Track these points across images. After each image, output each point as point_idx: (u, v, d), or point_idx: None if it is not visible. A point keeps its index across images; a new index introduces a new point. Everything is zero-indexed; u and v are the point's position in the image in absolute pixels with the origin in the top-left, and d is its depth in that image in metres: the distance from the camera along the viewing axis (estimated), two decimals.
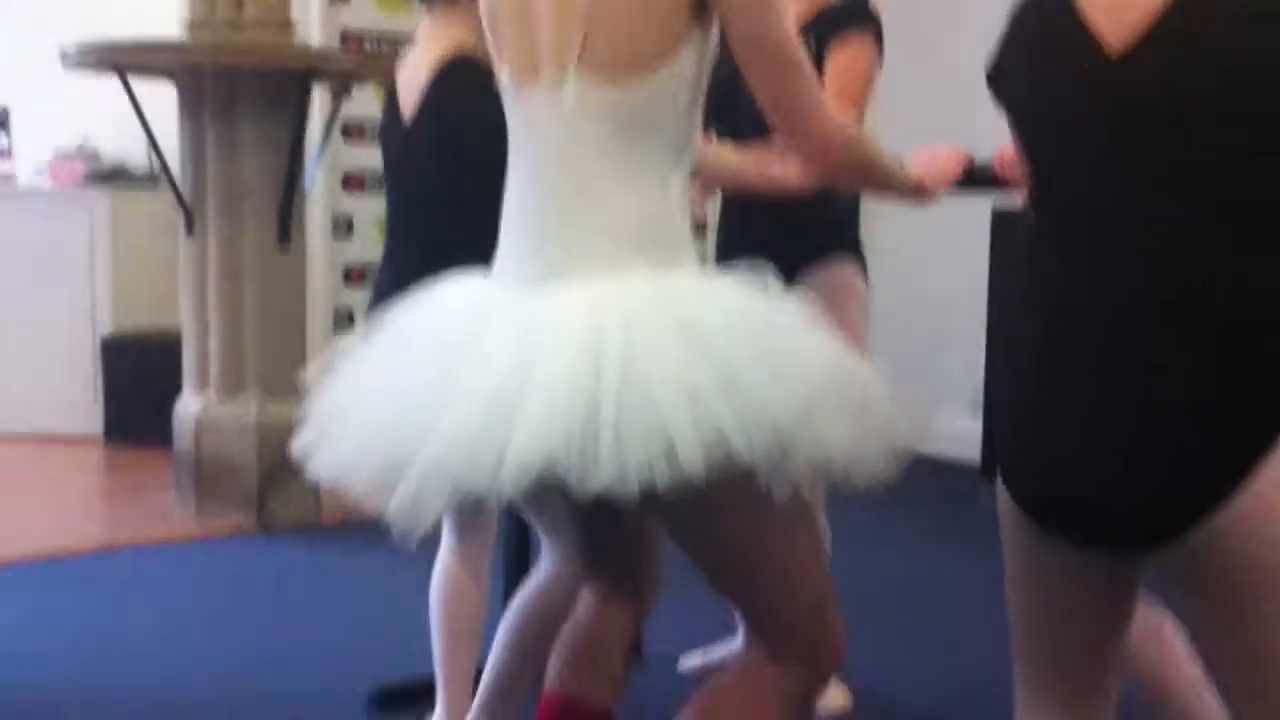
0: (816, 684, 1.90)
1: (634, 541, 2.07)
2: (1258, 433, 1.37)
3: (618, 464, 1.61)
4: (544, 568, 2.49)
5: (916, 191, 2.09)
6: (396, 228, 2.74)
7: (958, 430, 5.46)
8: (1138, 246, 1.42)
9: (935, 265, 5.45)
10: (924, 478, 5.23)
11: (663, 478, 1.60)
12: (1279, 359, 1.37)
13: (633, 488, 1.61)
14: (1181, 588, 1.48)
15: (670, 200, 1.79)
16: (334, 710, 2.93)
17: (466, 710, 2.65)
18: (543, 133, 1.80)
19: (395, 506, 1.72)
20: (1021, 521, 1.57)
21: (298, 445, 1.90)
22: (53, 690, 3.03)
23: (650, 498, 1.64)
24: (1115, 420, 1.42)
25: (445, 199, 2.62)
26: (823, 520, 2.99)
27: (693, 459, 1.61)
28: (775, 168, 2.50)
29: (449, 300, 1.87)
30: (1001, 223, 4.90)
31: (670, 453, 1.61)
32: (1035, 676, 1.64)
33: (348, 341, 1.94)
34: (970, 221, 5.05)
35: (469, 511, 2.65)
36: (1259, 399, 1.37)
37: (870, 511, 4.70)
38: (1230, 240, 1.38)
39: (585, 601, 2.10)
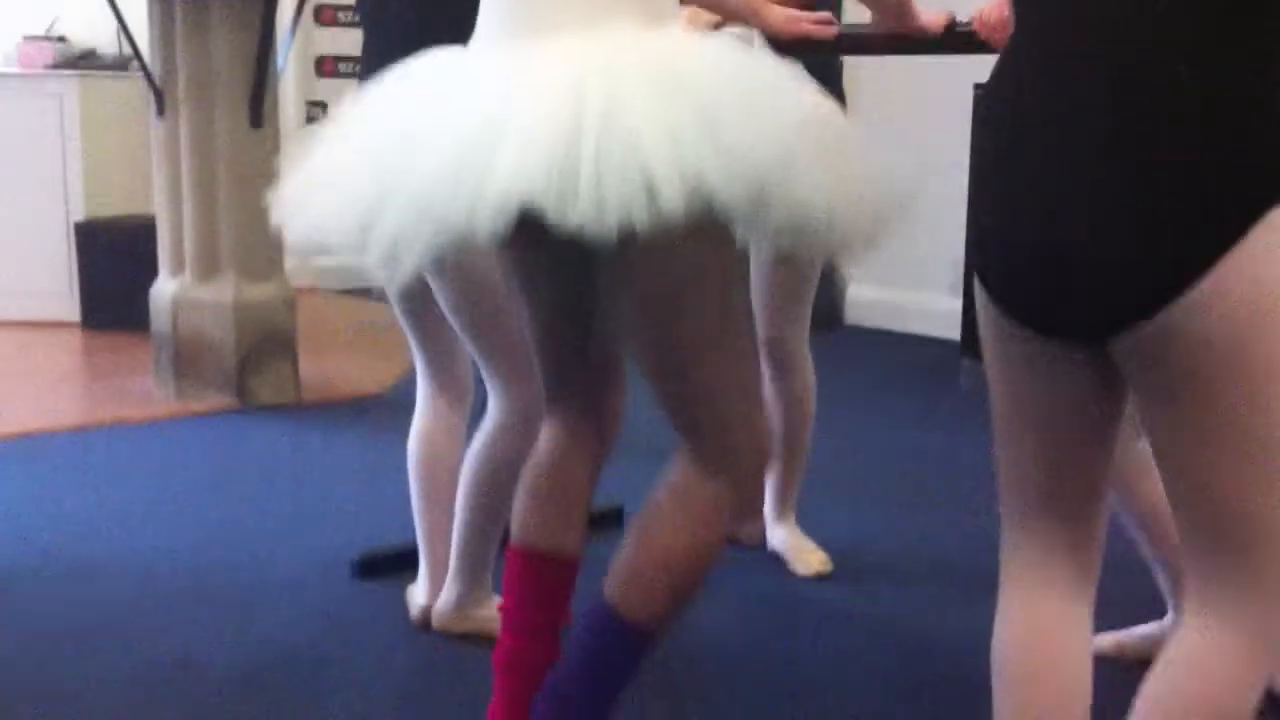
0: (743, 493, 1.91)
1: (600, 370, 2.06)
2: (1222, 218, 1.35)
3: (596, 199, 1.61)
4: (492, 418, 2.49)
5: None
6: (371, 19, 2.63)
7: (938, 309, 5.48)
8: (1107, 22, 1.40)
9: (914, 141, 5.38)
10: (905, 356, 5.31)
11: (641, 216, 1.61)
12: (1247, 141, 1.35)
13: (610, 225, 1.61)
14: (1137, 379, 1.47)
15: None
16: (319, 579, 2.96)
17: (445, 577, 2.68)
18: None
19: (375, 251, 1.73)
20: (996, 318, 1.56)
21: (275, 216, 1.90)
22: (38, 564, 3.05)
23: (625, 247, 1.64)
24: (1077, 202, 1.41)
25: None
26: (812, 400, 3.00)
27: (672, 197, 1.62)
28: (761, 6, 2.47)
29: (425, 65, 1.85)
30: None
31: (650, 190, 1.62)
32: (1020, 502, 1.63)
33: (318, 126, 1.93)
34: (951, 97, 5.00)
35: (443, 362, 2.63)
36: (1226, 183, 1.35)
37: (854, 389, 4.76)
38: (1196, 13, 1.36)
39: (546, 443, 2.08)
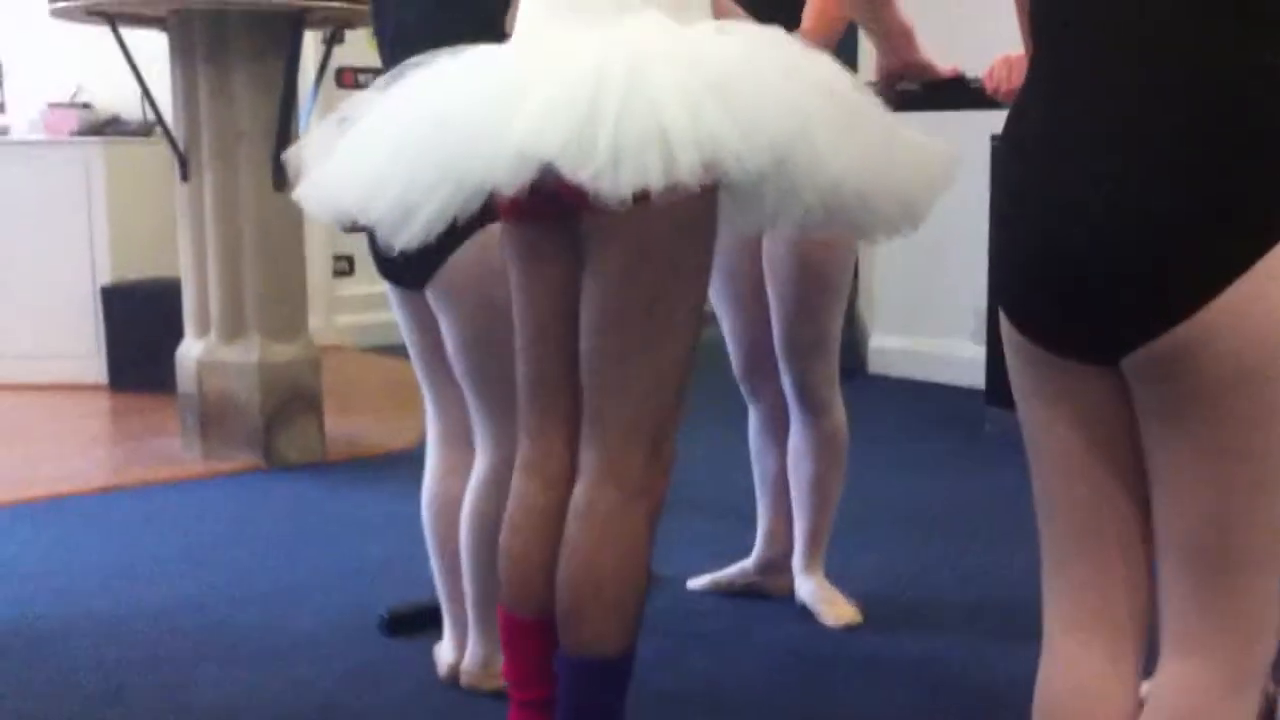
0: (644, 496, 1.90)
1: (579, 414, 1.99)
2: (1238, 237, 1.33)
3: (614, 157, 1.65)
4: (479, 473, 2.48)
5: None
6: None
7: (962, 357, 5.47)
8: (1134, 32, 1.39)
9: None
10: (930, 404, 5.30)
11: (657, 177, 1.65)
12: (1264, 162, 1.32)
13: (625, 185, 1.65)
14: (1142, 398, 1.44)
15: None
16: (347, 635, 2.95)
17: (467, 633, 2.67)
18: None
19: (387, 207, 1.76)
20: (1017, 343, 1.54)
21: (298, 193, 1.94)
22: (69, 621, 3.05)
23: (644, 217, 1.67)
24: (1090, 217, 1.39)
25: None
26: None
27: (689, 160, 1.65)
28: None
29: (458, 56, 1.87)
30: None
31: (667, 153, 1.65)
32: (1059, 547, 1.58)
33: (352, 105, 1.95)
34: (969, 149, 5.02)
35: (454, 415, 2.61)
36: (1245, 203, 1.33)
37: (878, 437, 4.75)
38: (1233, 19, 1.34)
39: (519, 499, 2.03)
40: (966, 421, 4.86)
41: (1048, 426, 1.56)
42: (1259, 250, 1.32)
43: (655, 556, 3.19)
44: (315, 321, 5.01)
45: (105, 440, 5.06)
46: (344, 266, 6.81)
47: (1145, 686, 2.48)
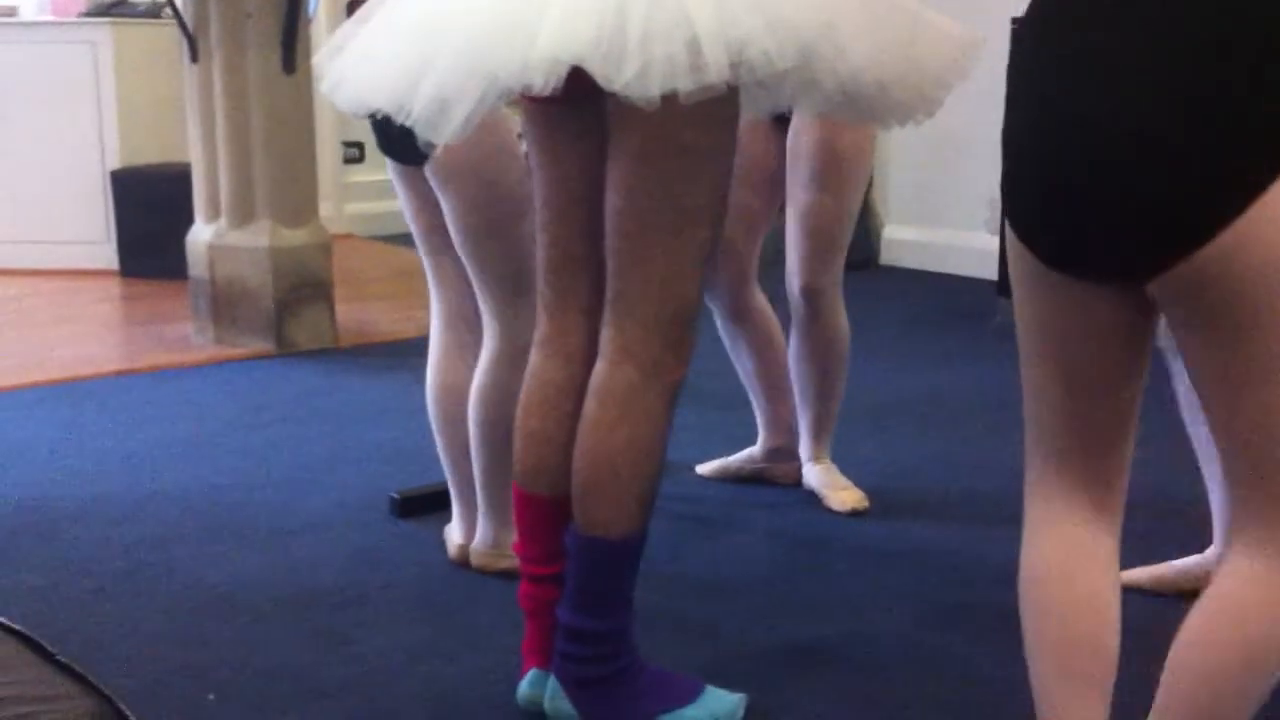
0: (662, 377, 1.90)
1: (600, 294, 1.99)
2: (1260, 159, 1.33)
3: (643, 57, 1.65)
4: (489, 350, 2.49)
5: None
6: None
7: (974, 247, 5.44)
8: None
9: None
10: (940, 295, 5.29)
11: (685, 81, 1.66)
12: None
13: (655, 89, 1.65)
14: (1176, 317, 1.46)
15: None
16: (358, 517, 2.99)
17: (476, 513, 2.70)
18: None
19: (421, 106, 1.76)
20: (1024, 255, 1.54)
21: (323, 88, 1.92)
22: (83, 502, 3.09)
23: (668, 104, 1.66)
24: (1114, 146, 1.38)
25: None
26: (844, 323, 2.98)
27: (718, 62, 1.65)
28: None
29: None
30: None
31: (695, 55, 1.65)
32: (1047, 435, 1.62)
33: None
34: (988, 33, 4.94)
35: (457, 301, 2.62)
36: (1265, 125, 1.33)
37: (889, 328, 4.74)
38: None
39: (535, 377, 2.04)
40: (977, 312, 4.85)
41: (1043, 326, 1.57)
42: (1272, 175, 1.33)
43: (680, 448, 3.22)
44: (326, 209, 4.98)
45: (117, 325, 5.08)
46: (354, 153, 6.76)
47: (1189, 562, 2.52)
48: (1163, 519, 2.75)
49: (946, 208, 5.70)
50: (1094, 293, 1.50)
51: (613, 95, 1.71)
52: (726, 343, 3.10)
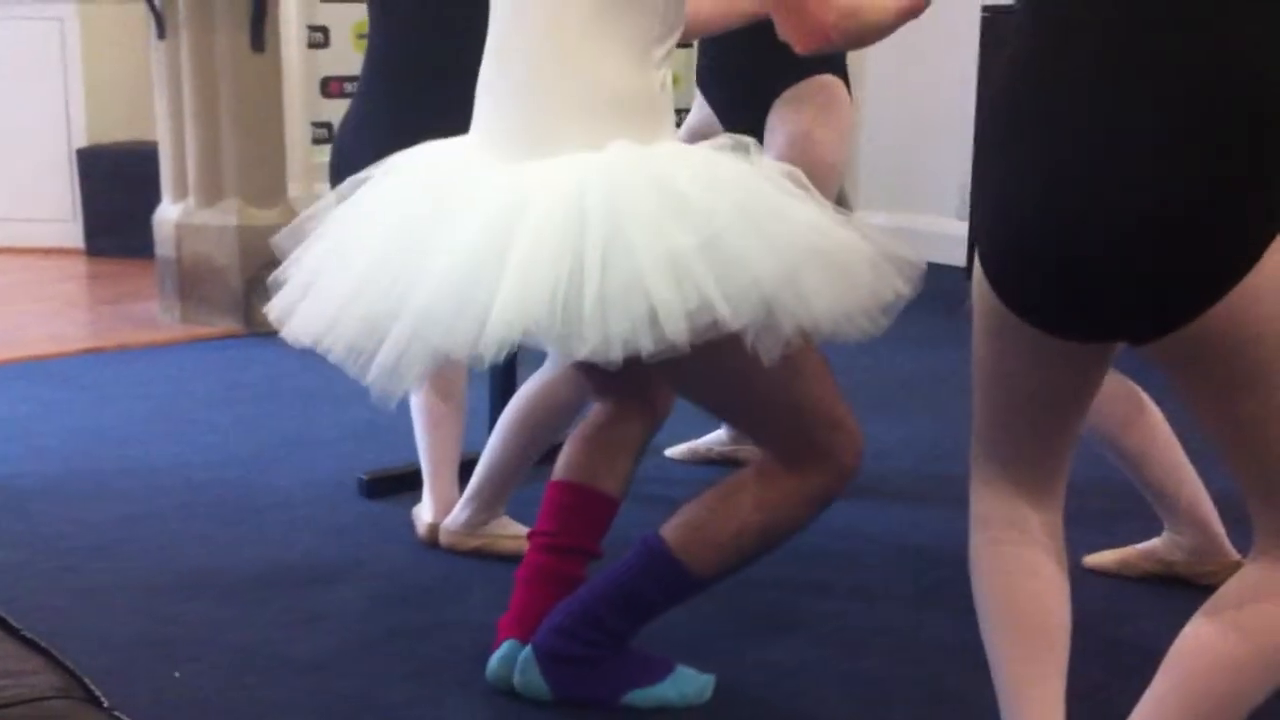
0: (833, 488, 1.95)
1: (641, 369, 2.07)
2: (1261, 223, 1.37)
3: (602, 331, 1.63)
4: (550, 364, 2.51)
5: (912, 12, 2.00)
6: (372, 90, 2.71)
7: (944, 233, 5.46)
8: (1124, 10, 1.40)
9: (921, 63, 5.37)
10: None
11: (646, 344, 1.63)
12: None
13: (617, 354, 1.64)
14: (1177, 375, 1.49)
15: (653, 75, 1.78)
16: (326, 497, 2.98)
17: (451, 495, 2.71)
18: (528, 3, 1.78)
19: (375, 371, 1.75)
20: (997, 306, 1.56)
21: (273, 309, 1.90)
22: (51, 479, 3.08)
23: (636, 360, 1.66)
24: (1110, 214, 1.40)
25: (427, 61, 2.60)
26: None
27: (676, 327, 1.63)
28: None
29: (428, 165, 1.86)
30: (992, 22, 4.82)
31: (654, 319, 1.63)
32: (993, 455, 1.70)
33: (321, 205, 1.94)
34: (959, 21, 4.97)
35: None
36: (1263, 190, 1.36)
37: None
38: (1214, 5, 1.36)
39: (600, 410, 2.16)
40: (946, 298, 4.87)
41: (1003, 369, 1.62)
42: (1271, 236, 1.36)
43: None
44: (295, 189, 4.96)
45: (83, 304, 5.04)
46: (323, 134, 6.70)
47: (1153, 544, 2.50)
48: (1120, 500, 2.78)
49: (917, 194, 5.72)
50: (1073, 346, 1.53)
51: None
52: None
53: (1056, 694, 1.65)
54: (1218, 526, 2.42)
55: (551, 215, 1.68)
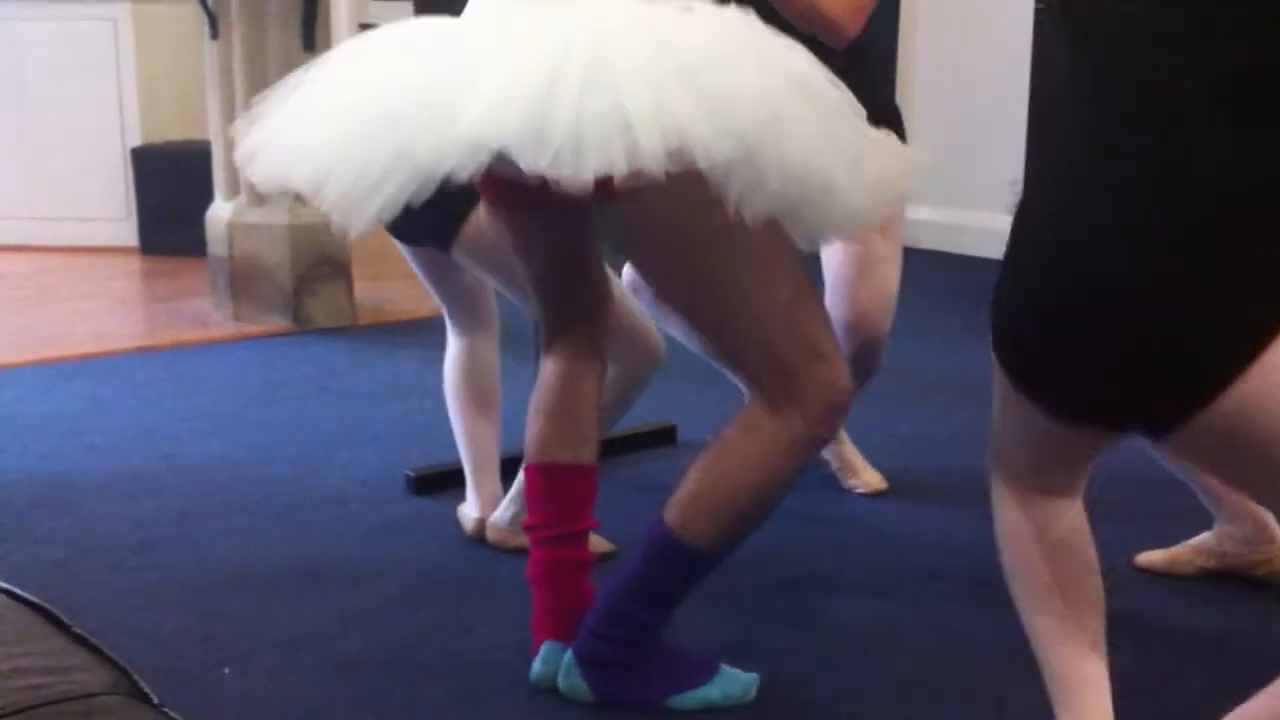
0: (817, 430, 1.91)
1: (595, 300, 2.11)
2: (1261, 315, 1.39)
3: (574, 145, 1.58)
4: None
5: None
6: None
7: (994, 228, 5.41)
8: (1150, 118, 1.43)
9: (975, 61, 5.32)
10: (961, 276, 5.26)
11: (619, 162, 1.59)
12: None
13: (587, 171, 1.58)
14: (1198, 455, 1.56)
15: None
16: (374, 493, 2.99)
17: (494, 490, 2.71)
18: None
19: (343, 190, 1.69)
20: (1027, 406, 1.61)
21: (239, 153, 1.84)
22: (102, 475, 3.11)
23: (619, 217, 1.65)
24: (1132, 308, 1.44)
25: None
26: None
27: (653, 145, 1.58)
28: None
29: (410, 27, 1.84)
30: (1045, 18, 4.76)
31: (629, 137, 1.58)
32: (1016, 460, 1.73)
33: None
34: (1013, 17, 4.92)
35: (464, 302, 2.66)
36: (1263, 283, 1.39)
37: (909, 309, 4.71)
38: (1231, 115, 1.38)
39: (550, 369, 2.13)
40: (990, 293, 4.83)
41: (1025, 430, 1.66)
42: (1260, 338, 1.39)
43: (680, 416, 3.22)
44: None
45: (136, 302, 5.09)
46: None
47: (1204, 539, 2.54)
48: (1175, 495, 2.73)
49: (967, 189, 5.66)
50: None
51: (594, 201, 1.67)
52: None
53: (1096, 650, 1.70)
54: (1267, 515, 2.38)
55: (535, 44, 1.66)
